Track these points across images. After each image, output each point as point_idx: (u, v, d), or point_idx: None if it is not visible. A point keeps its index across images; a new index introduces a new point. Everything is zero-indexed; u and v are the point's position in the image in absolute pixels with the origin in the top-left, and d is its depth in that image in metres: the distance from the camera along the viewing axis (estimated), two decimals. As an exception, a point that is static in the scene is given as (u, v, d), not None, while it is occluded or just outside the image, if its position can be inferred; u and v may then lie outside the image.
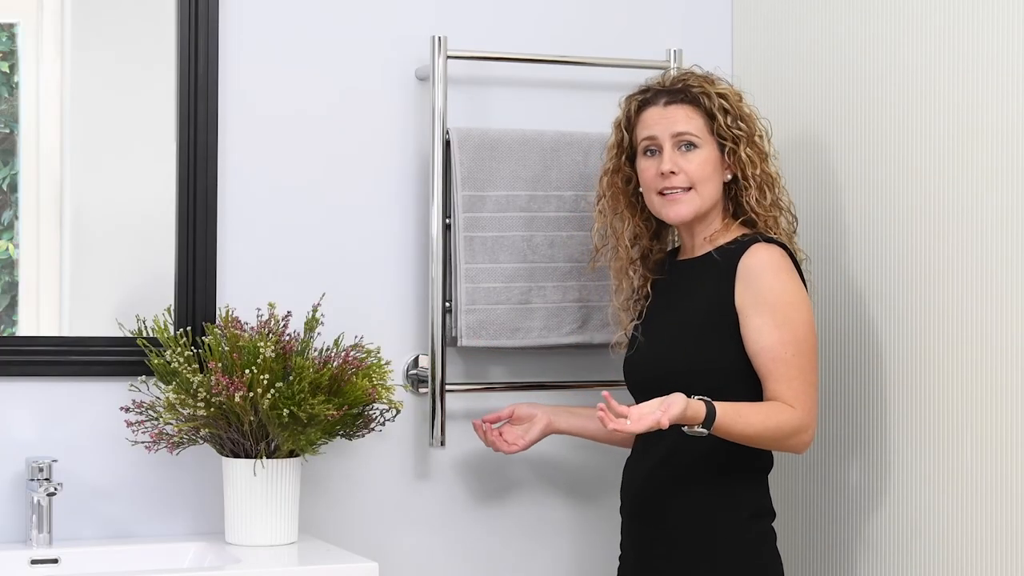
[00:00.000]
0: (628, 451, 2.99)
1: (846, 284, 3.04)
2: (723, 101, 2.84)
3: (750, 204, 2.84)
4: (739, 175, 2.84)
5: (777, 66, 3.25)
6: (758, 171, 2.84)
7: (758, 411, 2.72)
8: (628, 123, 2.92)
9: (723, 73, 3.00)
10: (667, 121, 2.84)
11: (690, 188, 2.82)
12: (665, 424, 2.60)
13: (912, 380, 2.88)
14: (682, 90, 2.86)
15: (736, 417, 2.68)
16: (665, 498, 2.82)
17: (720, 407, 2.67)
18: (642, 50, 3.29)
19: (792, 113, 3.17)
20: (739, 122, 2.84)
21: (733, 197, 2.87)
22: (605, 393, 2.62)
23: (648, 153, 2.87)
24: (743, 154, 2.83)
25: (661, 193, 2.84)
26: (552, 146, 3.17)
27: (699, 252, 2.87)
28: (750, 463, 2.80)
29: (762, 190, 2.84)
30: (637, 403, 2.88)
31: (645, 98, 2.89)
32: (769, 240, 2.81)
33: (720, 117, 2.82)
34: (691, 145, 2.83)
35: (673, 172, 2.82)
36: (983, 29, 2.73)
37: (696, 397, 2.67)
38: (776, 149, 2.95)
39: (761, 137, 2.87)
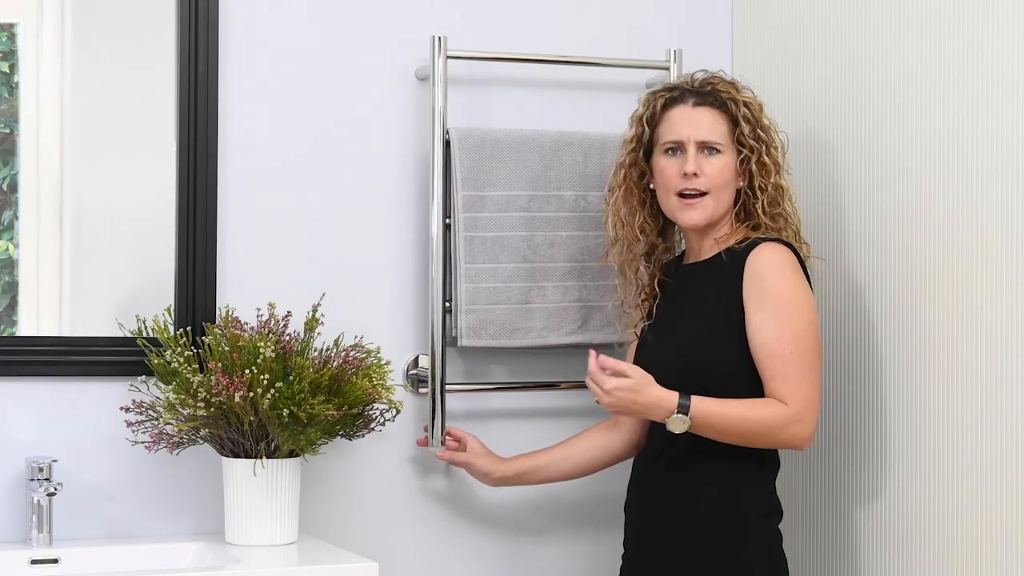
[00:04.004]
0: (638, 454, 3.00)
1: (846, 283, 3.04)
2: (747, 110, 2.86)
3: (758, 212, 2.85)
4: (749, 184, 2.85)
5: (777, 66, 3.25)
6: (770, 182, 2.85)
7: (741, 403, 2.74)
8: (652, 119, 2.91)
9: (724, 73, 3.00)
10: (695, 123, 2.86)
11: (706, 193, 2.84)
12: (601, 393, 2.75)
13: (912, 379, 2.88)
14: (711, 93, 2.88)
15: (715, 405, 2.72)
16: (673, 498, 2.82)
17: (697, 398, 2.72)
18: (642, 50, 3.29)
19: (792, 112, 3.17)
20: (758, 131, 2.86)
21: (743, 204, 2.88)
22: (592, 352, 2.74)
23: (669, 152, 2.87)
24: (754, 165, 2.84)
25: (680, 195, 2.85)
26: (552, 146, 3.17)
27: (706, 255, 2.88)
28: (761, 463, 2.81)
29: (773, 202, 2.86)
30: None
31: (673, 96, 2.90)
32: (776, 239, 2.82)
33: (743, 125, 2.85)
34: (714, 150, 2.85)
35: (696, 174, 2.83)
36: (983, 27, 2.73)
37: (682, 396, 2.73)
38: (790, 164, 2.96)
39: (776, 149, 2.88)
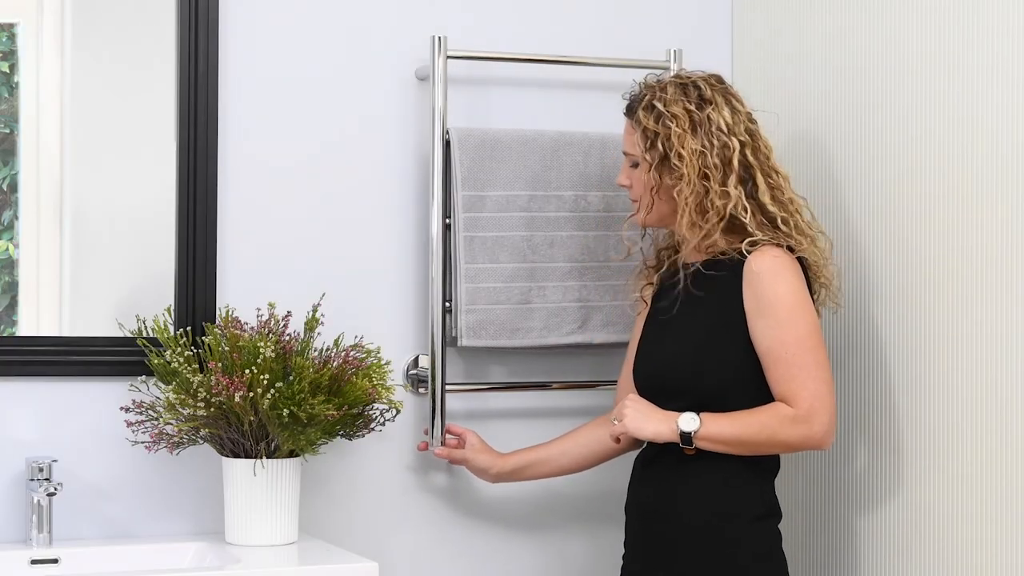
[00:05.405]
0: (633, 452, 3.00)
1: (845, 283, 3.04)
2: (647, 120, 2.82)
3: (682, 224, 2.83)
4: (662, 193, 2.85)
5: (777, 66, 3.25)
6: (680, 187, 2.81)
7: (747, 412, 2.75)
8: None
9: (724, 73, 3.00)
10: (624, 137, 2.93)
11: (637, 201, 2.91)
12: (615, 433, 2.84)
13: (913, 378, 2.88)
14: (630, 104, 2.91)
15: (720, 417, 2.74)
16: (667, 500, 2.82)
17: (705, 416, 2.75)
18: (642, 50, 3.29)
19: (792, 113, 3.17)
20: (663, 140, 2.81)
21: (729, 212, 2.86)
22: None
23: None
24: (654, 173, 2.82)
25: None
26: (552, 146, 3.17)
27: (703, 257, 2.86)
28: (759, 465, 2.81)
29: (699, 208, 2.81)
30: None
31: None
32: (774, 243, 2.81)
33: (641, 139, 2.85)
34: (635, 164, 2.89)
35: (623, 185, 2.93)
36: (984, 26, 2.73)
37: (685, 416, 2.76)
38: (779, 162, 2.91)
39: (697, 154, 2.80)
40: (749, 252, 2.79)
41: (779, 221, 2.83)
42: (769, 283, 2.76)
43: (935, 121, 2.83)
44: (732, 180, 2.80)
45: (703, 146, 2.80)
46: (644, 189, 2.87)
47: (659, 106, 2.83)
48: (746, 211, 2.80)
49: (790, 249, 2.81)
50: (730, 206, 2.79)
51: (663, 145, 2.82)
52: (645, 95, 2.87)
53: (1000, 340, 2.69)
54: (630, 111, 2.90)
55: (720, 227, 2.80)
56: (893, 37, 2.94)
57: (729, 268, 2.80)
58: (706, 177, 2.80)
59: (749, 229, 2.80)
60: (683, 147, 2.80)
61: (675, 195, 2.82)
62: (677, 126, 2.81)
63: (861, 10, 3.02)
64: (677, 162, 2.80)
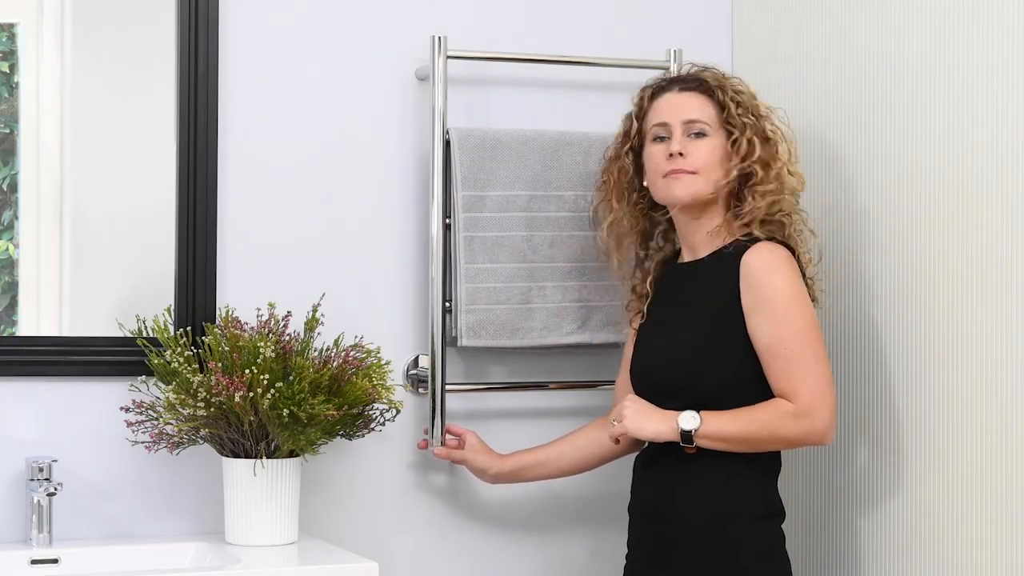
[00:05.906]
0: (633, 454, 3.00)
1: (846, 283, 3.04)
2: (735, 95, 2.87)
3: (754, 197, 2.82)
4: (745, 167, 2.83)
5: (777, 66, 3.25)
6: (768, 161, 2.84)
7: (748, 409, 2.75)
8: (640, 111, 2.93)
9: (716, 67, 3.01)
10: (680, 107, 2.86)
11: (695, 172, 2.83)
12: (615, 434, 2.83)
13: (913, 378, 2.88)
14: (697, 78, 2.90)
15: (721, 414, 2.73)
16: (676, 498, 2.82)
17: (706, 414, 2.74)
18: (642, 50, 3.29)
19: (792, 112, 3.16)
20: (751, 114, 2.86)
21: (738, 196, 2.86)
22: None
23: (657, 139, 2.88)
24: (744, 142, 2.83)
25: (667, 176, 2.84)
26: (552, 146, 3.17)
27: (702, 252, 2.87)
28: (760, 464, 2.81)
29: (768, 182, 2.83)
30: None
31: (660, 86, 2.92)
32: (770, 238, 2.81)
33: (732, 107, 2.85)
34: (701, 133, 2.84)
35: (681, 154, 2.83)
36: (985, 26, 2.73)
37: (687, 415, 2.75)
38: (797, 157, 2.93)
39: (776, 133, 2.87)
40: (746, 248, 2.79)
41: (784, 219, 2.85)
42: (766, 278, 2.76)
43: (935, 121, 2.83)
44: (777, 165, 2.85)
45: (756, 127, 2.85)
46: (711, 160, 2.83)
47: (727, 83, 2.88)
48: (763, 197, 2.83)
49: (787, 247, 2.82)
50: (769, 188, 2.84)
51: (740, 118, 2.84)
52: (709, 73, 2.90)
53: (1000, 340, 2.69)
54: (699, 83, 2.89)
55: (760, 211, 2.82)
56: (893, 37, 2.94)
57: (726, 265, 2.80)
58: (752, 155, 2.83)
59: (753, 216, 2.82)
60: (746, 123, 2.84)
61: (730, 170, 2.83)
62: (743, 104, 2.85)
63: (861, 10, 3.02)
64: (740, 135, 2.83)
